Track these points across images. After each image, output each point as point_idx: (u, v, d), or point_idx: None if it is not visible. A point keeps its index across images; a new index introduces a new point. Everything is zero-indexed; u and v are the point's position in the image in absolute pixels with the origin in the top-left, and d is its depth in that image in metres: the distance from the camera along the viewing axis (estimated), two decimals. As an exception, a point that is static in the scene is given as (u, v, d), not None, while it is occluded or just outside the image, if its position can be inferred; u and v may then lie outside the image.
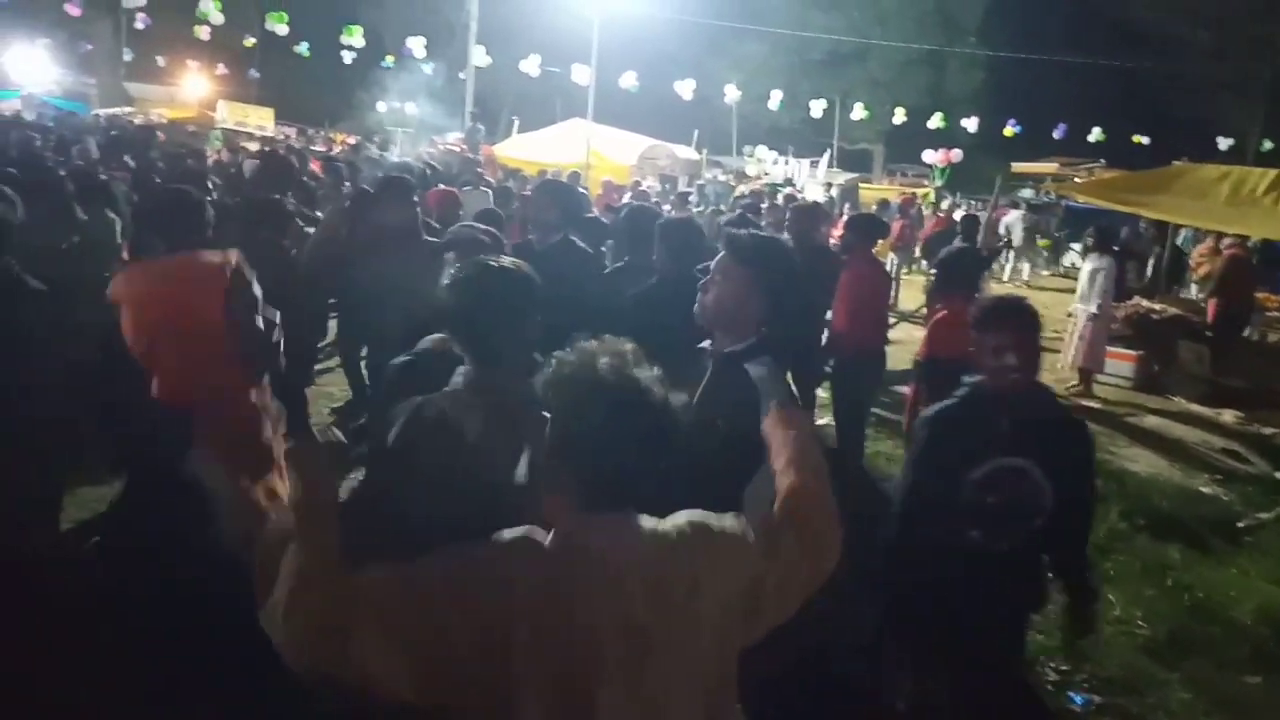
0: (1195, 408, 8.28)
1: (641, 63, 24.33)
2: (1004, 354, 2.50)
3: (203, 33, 23.65)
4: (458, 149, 18.01)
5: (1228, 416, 7.99)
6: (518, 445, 1.82)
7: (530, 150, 19.44)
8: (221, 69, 29.57)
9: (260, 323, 2.44)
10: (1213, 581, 4.72)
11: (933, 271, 7.53)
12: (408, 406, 2.03)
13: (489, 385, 2.02)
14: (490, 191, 9.99)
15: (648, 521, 1.42)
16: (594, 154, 17.66)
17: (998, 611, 2.63)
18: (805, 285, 4.76)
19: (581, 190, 11.90)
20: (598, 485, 1.40)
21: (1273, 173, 8.70)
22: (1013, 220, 16.78)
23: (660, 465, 1.43)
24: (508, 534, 1.39)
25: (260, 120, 23.02)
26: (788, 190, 18.20)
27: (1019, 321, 2.54)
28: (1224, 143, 29.43)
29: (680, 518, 1.46)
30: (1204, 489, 6.32)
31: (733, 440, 2.17)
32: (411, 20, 28.86)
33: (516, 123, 24.67)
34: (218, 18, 22.69)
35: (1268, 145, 30.57)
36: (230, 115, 22.10)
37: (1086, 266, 8.87)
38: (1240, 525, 5.55)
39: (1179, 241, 12.25)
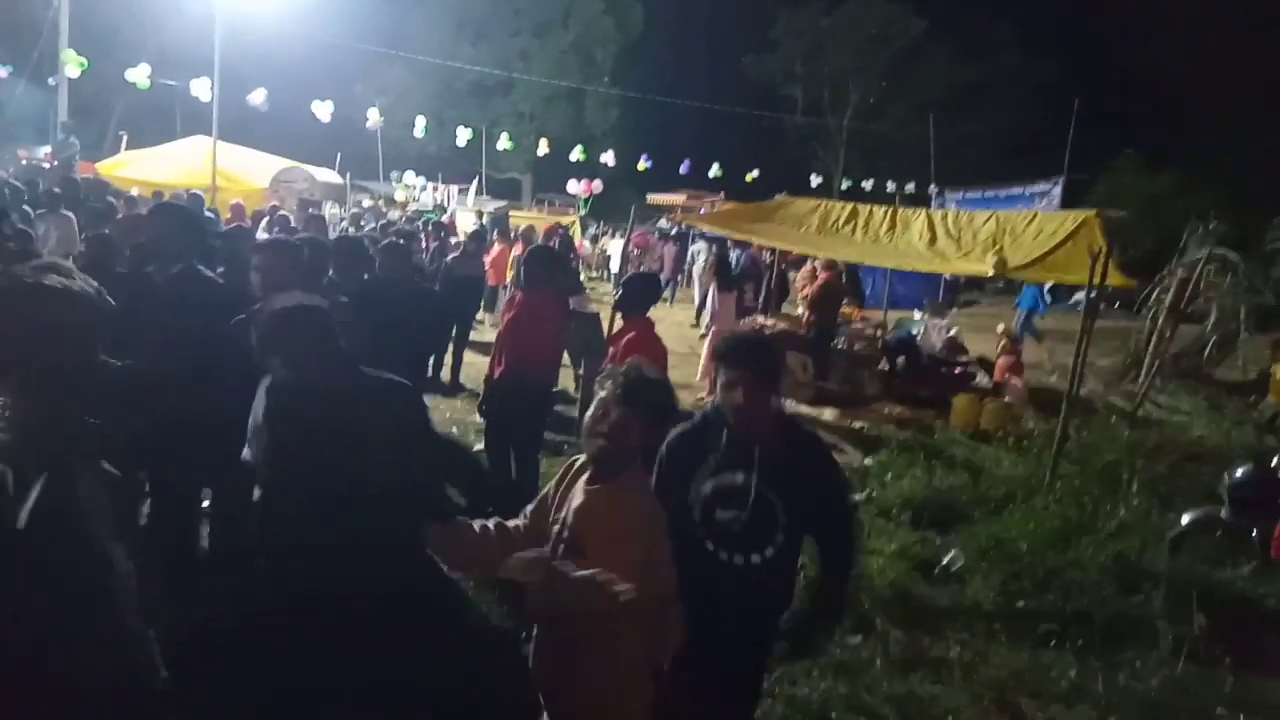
0: (803, 408, 9.49)
1: (274, 80, 22.71)
2: (734, 388, 2.66)
3: None
4: (46, 165, 15.55)
5: (828, 414, 9.26)
6: None
7: (145, 169, 17.36)
8: None
9: None
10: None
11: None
12: None
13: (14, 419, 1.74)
14: (73, 216, 8.78)
15: None
16: (222, 174, 16.23)
17: (742, 623, 2.73)
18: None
19: (209, 213, 10.85)
20: None
21: (850, 206, 10.37)
22: (699, 249, 18.39)
23: None
24: None
25: None
26: (440, 218, 18.11)
27: (752, 359, 2.71)
28: (815, 179, 34.50)
29: None
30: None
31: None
32: (-22, 13, 24.41)
33: (125, 137, 21.89)
34: None
35: (846, 183, 36.49)
36: None
37: (710, 293, 9.85)
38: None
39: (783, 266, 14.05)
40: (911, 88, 37.84)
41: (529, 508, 2.65)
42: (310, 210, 13.80)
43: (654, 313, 5.48)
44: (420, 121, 26.80)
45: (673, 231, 21.86)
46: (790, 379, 10.02)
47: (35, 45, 21.05)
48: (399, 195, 24.42)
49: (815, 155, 39.32)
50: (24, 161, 19.17)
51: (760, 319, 11.06)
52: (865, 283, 15.22)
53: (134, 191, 13.59)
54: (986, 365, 10.88)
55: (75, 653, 1.68)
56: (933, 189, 26.11)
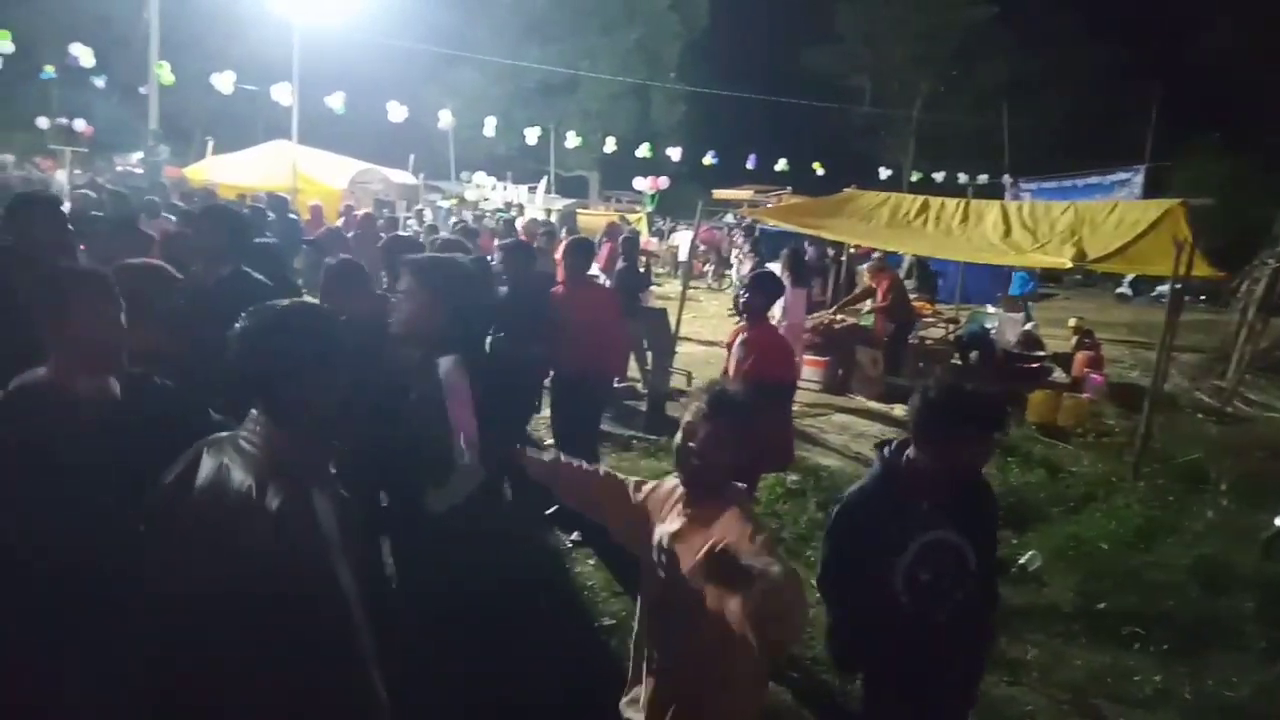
0: (873, 404, 9.38)
1: (350, 84, 23.40)
2: (967, 448, 2.53)
3: None
4: (138, 171, 16.27)
5: (899, 410, 9.13)
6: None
7: (229, 173, 18.03)
8: None
9: None
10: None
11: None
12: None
13: (266, 438, 1.81)
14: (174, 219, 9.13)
15: None
16: (301, 177, 16.76)
17: (952, 670, 2.63)
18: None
19: (291, 216, 11.23)
20: None
21: (921, 198, 10.19)
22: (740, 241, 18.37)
23: None
24: None
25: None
26: (510, 215, 18.38)
27: (997, 422, 2.60)
28: (884, 172, 33.91)
29: None
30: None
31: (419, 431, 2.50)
32: (73, 27, 25.61)
33: (211, 143, 22.75)
34: None
35: (916, 175, 35.74)
36: None
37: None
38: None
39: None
40: (980, 76, 36.90)
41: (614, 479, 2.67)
42: (385, 212, 14.18)
43: (698, 306, 5.46)
44: (490, 122, 27.21)
45: (744, 224, 21.83)
46: (860, 374, 9.93)
47: (126, 56, 22.09)
48: (469, 194, 24.85)
49: (883, 147, 38.70)
50: (118, 169, 20.12)
51: (829, 314, 10.96)
52: (937, 276, 14.97)
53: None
54: (1062, 360, 10.60)
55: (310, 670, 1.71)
56: (1006, 179, 25.44)
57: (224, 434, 1.86)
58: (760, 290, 5.00)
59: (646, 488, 2.57)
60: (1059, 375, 10.39)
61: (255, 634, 1.64)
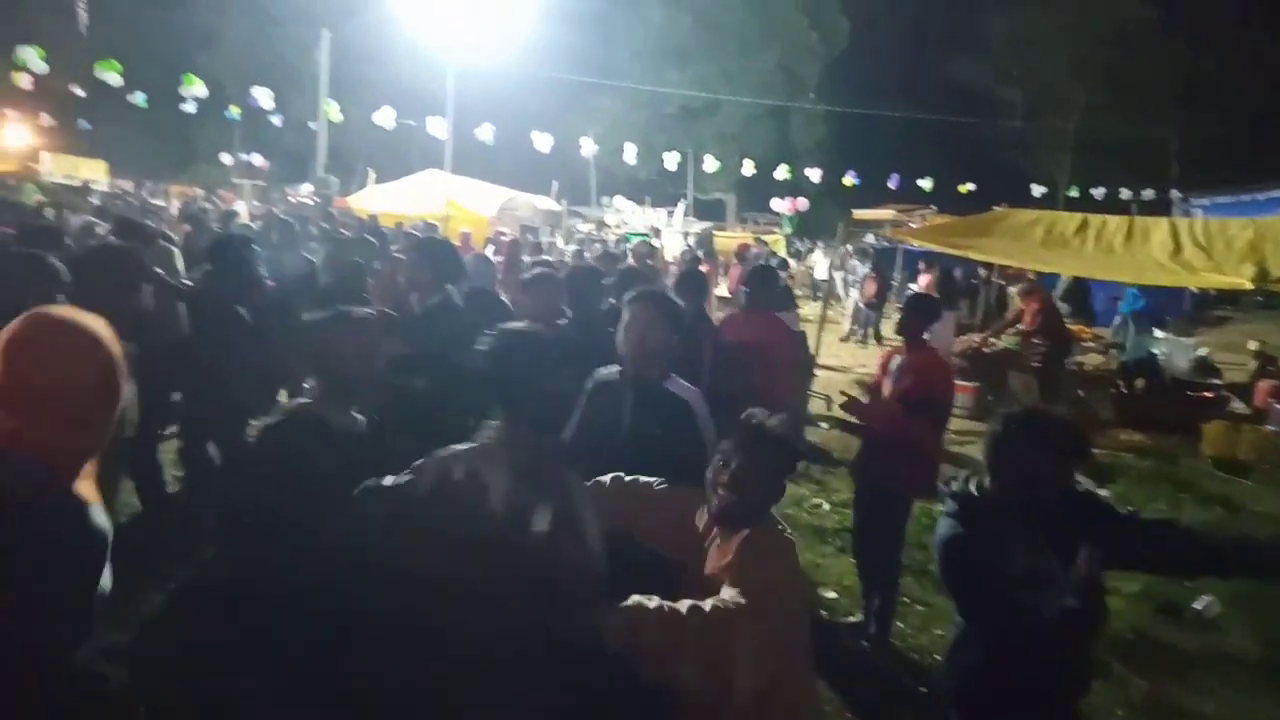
0: (1027, 433, 8.94)
1: (498, 115, 24.48)
2: (1045, 471, 2.42)
3: (23, 81, 22.11)
4: (310, 202, 17.51)
5: (1055, 439, 8.67)
6: (539, 501, 1.99)
7: (386, 201, 19.14)
8: (46, 119, 27.69)
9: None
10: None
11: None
12: (435, 461, 2.13)
13: (514, 441, 2.13)
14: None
15: None
16: (452, 205, 17.58)
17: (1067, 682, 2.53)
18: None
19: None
20: None
21: (1079, 216, 9.67)
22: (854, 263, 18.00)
23: None
24: None
25: (91, 173, 21.68)
26: (651, 240, 18.70)
27: (1078, 446, 2.48)
28: (1038, 189, 32.31)
29: None
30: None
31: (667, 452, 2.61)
32: (256, 70, 28.05)
33: (373, 174, 24.24)
34: (40, 65, 21.28)
35: (1074, 191, 33.80)
36: (57, 168, 20.74)
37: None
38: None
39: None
40: (1144, 83, 34.46)
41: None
42: (529, 237, 14.71)
43: (835, 328, 5.33)
44: (630, 147, 27.78)
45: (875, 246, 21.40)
46: (1012, 400, 9.49)
47: (299, 96, 23.94)
48: (609, 219, 25.41)
49: (1036, 163, 36.82)
50: (290, 199, 21.75)
51: (977, 337, 10.55)
52: (1095, 299, 14.16)
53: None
54: (1241, 389, 9.78)
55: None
56: (1174, 194, 23.73)
57: (465, 446, 2.16)
58: (916, 311, 4.81)
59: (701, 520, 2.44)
60: (1238, 405, 9.59)
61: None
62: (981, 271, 13.46)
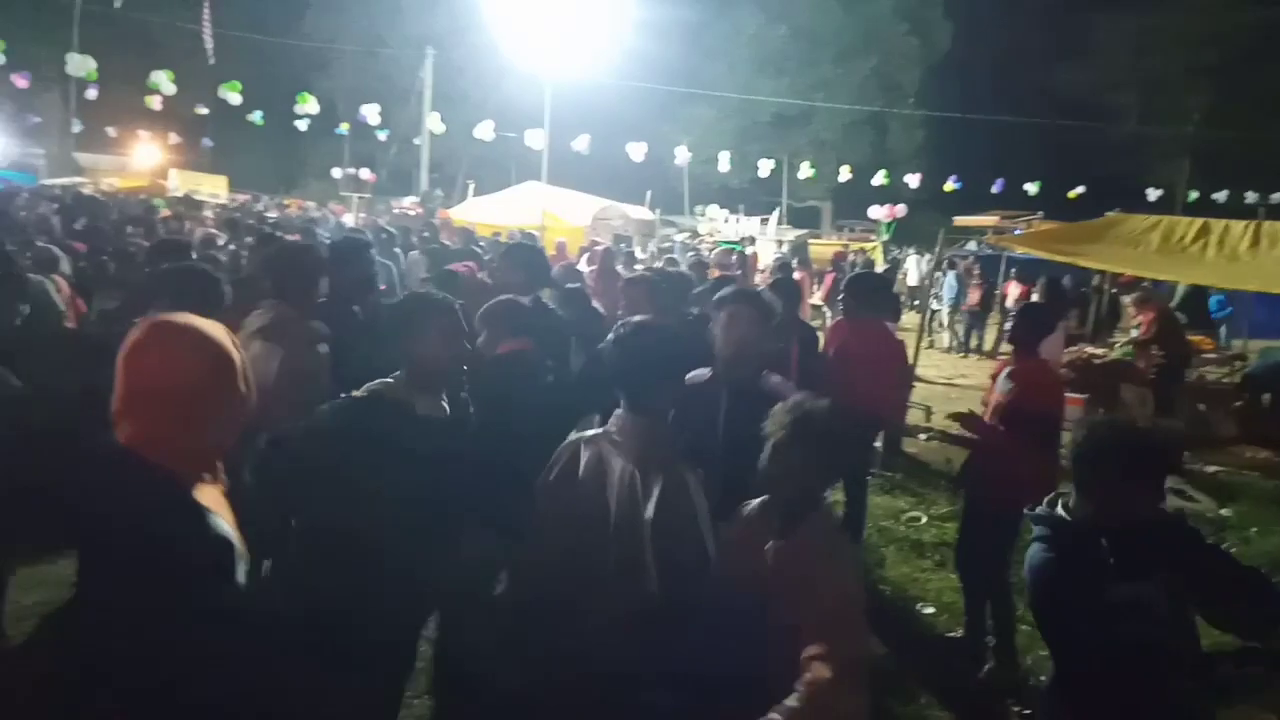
0: (1141, 448, 8.51)
1: (594, 126, 24.84)
2: (1141, 499, 2.32)
3: (154, 102, 23.66)
4: (413, 213, 18.11)
5: (1171, 456, 8.23)
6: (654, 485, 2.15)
7: (485, 213, 19.62)
8: (174, 138, 29.54)
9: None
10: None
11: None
12: (566, 447, 2.36)
13: (635, 430, 2.29)
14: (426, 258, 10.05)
15: None
16: (548, 215, 17.88)
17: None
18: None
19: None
20: None
21: (1199, 221, 9.15)
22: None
23: None
24: None
25: (213, 188, 22.98)
26: (744, 249, 18.62)
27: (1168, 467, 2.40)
28: (1153, 194, 30.74)
29: None
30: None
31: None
32: (365, 88, 29.24)
33: (472, 186, 24.92)
34: (169, 88, 22.74)
35: (1193, 195, 32.01)
36: (183, 184, 22.05)
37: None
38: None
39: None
40: (1270, 82, 32.31)
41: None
42: (623, 247, 14.84)
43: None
44: (724, 156, 27.74)
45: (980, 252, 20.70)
46: (1125, 414, 9.05)
47: (404, 112, 24.84)
48: (703, 228, 25.41)
49: (1150, 167, 34.99)
50: (395, 210, 22.55)
51: (1089, 349, 10.11)
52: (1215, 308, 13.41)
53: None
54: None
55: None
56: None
57: (594, 431, 2.36)
58: (1028, 321, 4.60)
59: (740, 524, 2.42)
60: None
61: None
62: (1095, 279, 12.89)
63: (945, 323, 14.56)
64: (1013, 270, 15.25)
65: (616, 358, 2.32)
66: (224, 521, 1.69)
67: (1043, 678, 4.24)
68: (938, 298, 14.86)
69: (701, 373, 3.07)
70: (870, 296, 5.40)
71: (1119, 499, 2.29)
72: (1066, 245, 9.83)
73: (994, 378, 4.74)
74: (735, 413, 2.90)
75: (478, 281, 5.96)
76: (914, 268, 20.14)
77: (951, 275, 14.37)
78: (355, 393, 2.46)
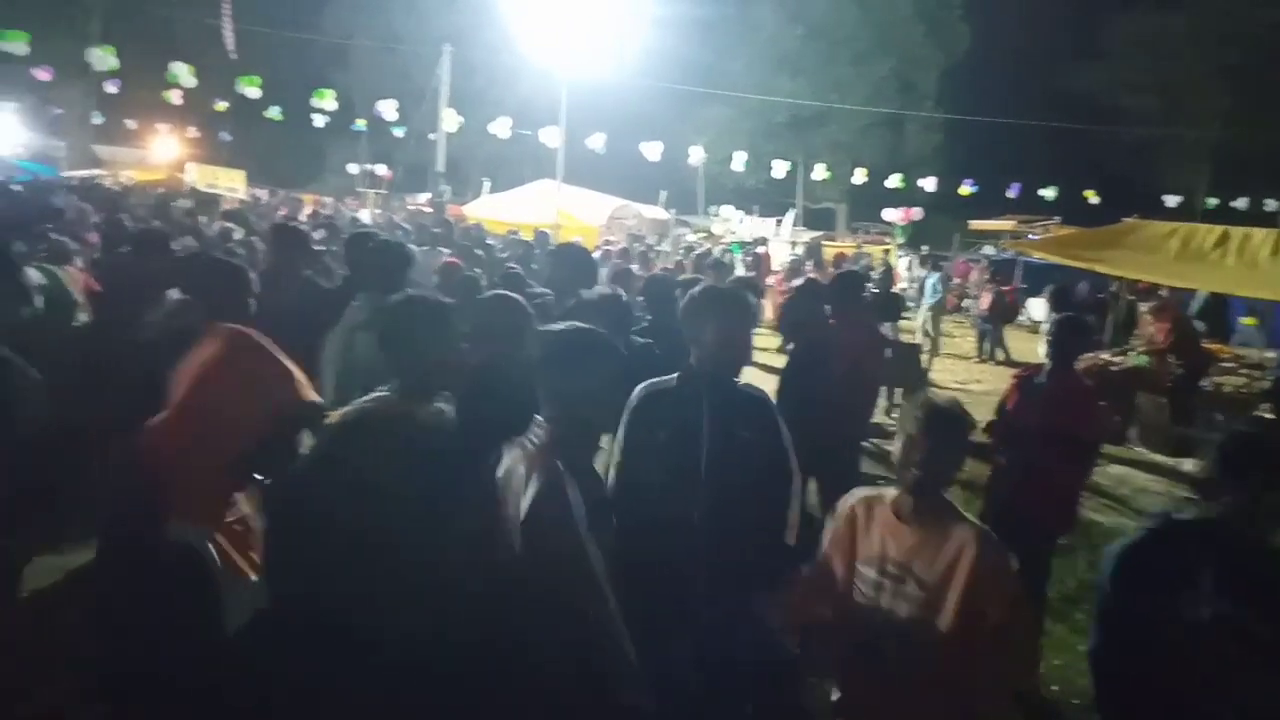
0: (1156, 457, 8.45)
1: (609, 125, 24.83)
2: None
3: (174, 96, 23.81)
4: (427, 209, 18.15)
5: (1189, 465, 8.16)
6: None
7: (500, 210, 19.66)
8: (193, 132, 29.73)
9: None
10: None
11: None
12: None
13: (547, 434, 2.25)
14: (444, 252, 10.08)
15: None
16: (563, 214, 17.89)
17: None
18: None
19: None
20: None
21: (1219, 228, 9.07)
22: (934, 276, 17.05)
23: None
24: None
25: (231, 182, 23.04)
26: (755, 249, 18.59)
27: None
28: (1171, 200, 30.44)
29: None
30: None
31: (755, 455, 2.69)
32: (382, 84, 29.31)
33: (487, 184, 24.95)
34: (189, 81, 22.86)
35: (1213, 202, 31.68)
36: (200, 177, 22.12)
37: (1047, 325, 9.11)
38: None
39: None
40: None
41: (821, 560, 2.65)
42: (636, 246, 14.82)
43: (950, 342, 5.10)
44: (739, 156, 27.67)
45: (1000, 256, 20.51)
46: (1142, 422, 8.99)
47: (420, 109, 24.89)
48: (716, 228, 25.37)
49: (1168, 173, 34.56)
50: (409, 207, 22.62)
51: (1105, 355, 10.03)
52: (1233, 316, 13.26)
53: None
54: None
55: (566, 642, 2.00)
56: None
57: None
58: (1066, 333, 4.45)
59: (842, 520, 2.61)
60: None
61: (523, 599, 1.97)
62: (1113, 286, 12.79)
63: (921, 324, 13.92)
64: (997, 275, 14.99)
65: (543, 365, 2.31)
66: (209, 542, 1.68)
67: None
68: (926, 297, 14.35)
69: (666, 380, 2.91)
70: (848, 295, 5.53)
71: (1258, 505, 2.26)
72: (1084, 251, 9.77)
73: (1016, 387, 4.62)
74: (722, 416, 2.76)
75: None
76: (903, 270, 20.03)
77: (935, 277, 13.88)
78: (341, 411, 2.30)
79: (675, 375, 2.87)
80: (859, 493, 2.61)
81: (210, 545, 1.65)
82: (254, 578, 1.72)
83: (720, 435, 2.72)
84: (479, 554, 2.00)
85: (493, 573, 1.98)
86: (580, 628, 1.99)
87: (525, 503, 2.01)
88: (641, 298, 5.16)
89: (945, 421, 2.40)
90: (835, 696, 2.60)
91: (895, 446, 2.47)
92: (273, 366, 1.72)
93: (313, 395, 1.76)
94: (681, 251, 16.84)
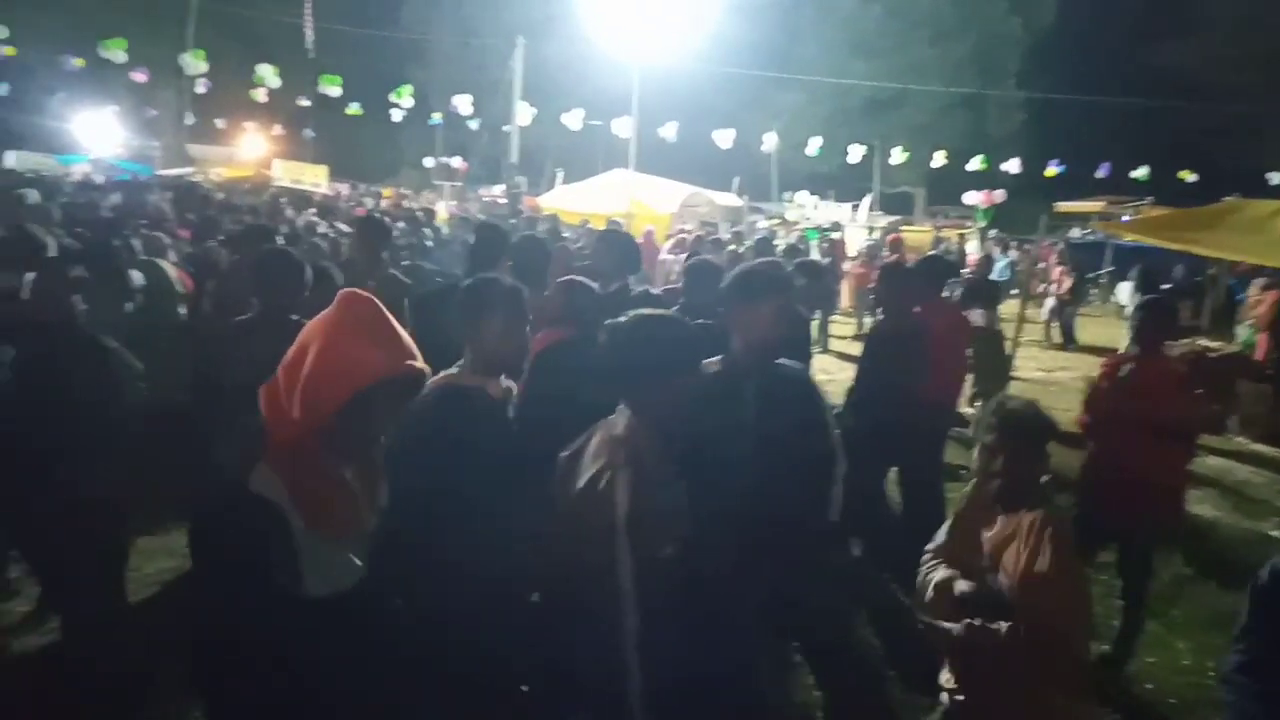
0: (1258, 448, 8.04)
1: (681, 113, 24.74)
2: None
3: (260, 95, 24.65)
4: (501, 201, 18.40)
5: (1296, 456, 7.76)
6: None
7: (573, 200, 19.78)
8: (278, 129, 30.70)
9: None
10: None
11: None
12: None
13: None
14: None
15: None
16: (636, 203, 17.90)
17: None
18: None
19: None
20: None
21: (1328, 207, 8.54)
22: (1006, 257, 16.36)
23: None
24: None
25: (314, 177, 23.79)
26: (831, 234, 18.30)
27: None
28: (1276, 178, 28.78)
29: None
30: (1272, 532, 6.12)
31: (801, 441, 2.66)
32: (458, 78, 29.79)
33: (560, 175, 25.14)
34: (274, 81, 23.65)
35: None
36: (285, 173, 22.89)
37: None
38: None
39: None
40: None
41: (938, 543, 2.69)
42: (710, 234, 14.75)
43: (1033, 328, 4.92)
44: (814, 141, 27.25)
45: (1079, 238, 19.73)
46: (1240, 411, 8.55)
47: (495, 101, 25.23)
48: (791, 214, 25.05)
49: (1270, 151, 32.58)
50: (484, 199, 22.98)
51: (1202, 341, 9.57)
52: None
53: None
54: None
55: None
56: None
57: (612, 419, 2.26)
58: (1153, 316, 4.27)
59: (964, 505, 2.67)
60: None
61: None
62: (1212, 269, 12.20)
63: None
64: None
65: (609, 354, 2.20)
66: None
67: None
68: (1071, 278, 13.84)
69: (709, 362, 2.80)
70: (921, 280, 5.32)
71: None
72: (1180, 233, 9.30)
73: (1107, 375, 4.40)
74: (769, 401, 2.68)
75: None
76: (975, 254, 19.39)
77: (1004, 260, 13.42)
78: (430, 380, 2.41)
79: (719, 357, 2.80)
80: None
81: (291, 500, 1.67)
82: (337, 539, 1.75)
83: (767, 415, 2.67)
84: (544, 512, 2.21)
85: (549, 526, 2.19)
86: (581, 627, 2.10)
87: (581, 482, 2.11)
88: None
89: (1022, 431, 2.42)
90: (944, 677, 2.61)
91: (973, 456, 2.50)
92: (385, 329, 1.76)
93: (421, 364, 1.80)
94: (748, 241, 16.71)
